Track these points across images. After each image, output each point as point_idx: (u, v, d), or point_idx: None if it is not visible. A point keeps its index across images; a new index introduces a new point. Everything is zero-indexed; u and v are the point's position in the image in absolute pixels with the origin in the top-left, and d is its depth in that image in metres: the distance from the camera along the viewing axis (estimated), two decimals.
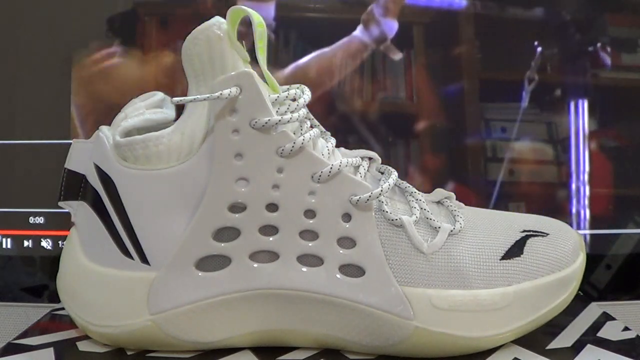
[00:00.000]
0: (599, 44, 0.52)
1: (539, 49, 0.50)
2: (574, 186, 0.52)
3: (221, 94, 0.30)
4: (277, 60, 0.51)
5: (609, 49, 0.52)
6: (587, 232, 0.51)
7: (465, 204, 0.36)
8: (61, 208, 0.34)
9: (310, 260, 0.31)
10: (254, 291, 0.31)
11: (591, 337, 0.35)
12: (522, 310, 0.32)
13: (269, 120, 0.30)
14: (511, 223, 0.35)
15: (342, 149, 0.35)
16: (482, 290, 0.32)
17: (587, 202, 0.52)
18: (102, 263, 0.32)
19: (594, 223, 0.51)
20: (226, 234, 0.31)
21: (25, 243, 0.50)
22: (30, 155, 0.50)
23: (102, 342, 0.33)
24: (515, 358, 0.32)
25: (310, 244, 0.31)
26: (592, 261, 0.44)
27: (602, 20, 0.52)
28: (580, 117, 0.52)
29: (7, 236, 0.50)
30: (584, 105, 0.52)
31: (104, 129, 0.33)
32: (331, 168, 0.31)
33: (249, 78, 0.30)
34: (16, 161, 0.51)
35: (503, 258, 0.33)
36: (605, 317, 0.38)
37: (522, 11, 0.52)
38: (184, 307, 0.31)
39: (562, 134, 0.52)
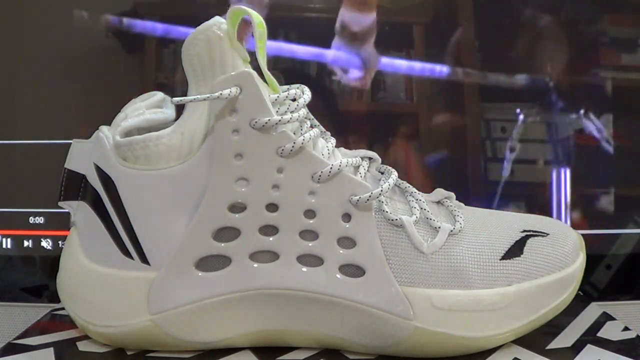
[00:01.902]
0: (599, 44, 0.52)
1: (521, 117, 0.50)
2: (574, 186, 0.52)
3: (221, 94, 0.30)
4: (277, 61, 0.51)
5: (608, 49, 0.52)
6: (587, 232, 0.51)
7: (465, 204, 0.36)
8: (61, 208, 0.34)
9: (310, 260, 0.31)
10: (254, 291, 0.31)
11: (591, 337, 0.35)
12: (522, 310, 0.32)
13: (269, 120, 0.30)
14: (511, 223, 0.35)
15: (342, 149, 0.35)
16: (482, 290, 0.32)
17: (586, 202, 0.52)
18: (102, 263, 0.32)
19: (594, 223, 0.51)
20: (226, 234, 0.31)
21: (25, 243, 0.50)
22: (30, 155, 0.50)
23: (102, 342, 0.33)
24: (515, 358, 0.32)
25: (310, 244, 0.31)
26: (592, 261, 0.44)
27: (602, 20, 0.52)
28: (580, 117, 0.52)
29: (7, 236, 0.50)
30: (584, 105, 0.52)
31: (104, 129, 0.33)
32: (331, 168, 0.31)
33: (249, 78, 0.30)
34: (16, 161, 0.51)
35: (503, 258, 0.33)
36: (605, 317, 0.38)
37: (522, 10, 0.52)
38: (184, 307, 0.31)
39: (562, 134, 0.52)
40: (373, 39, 0.49)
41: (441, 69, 0.50)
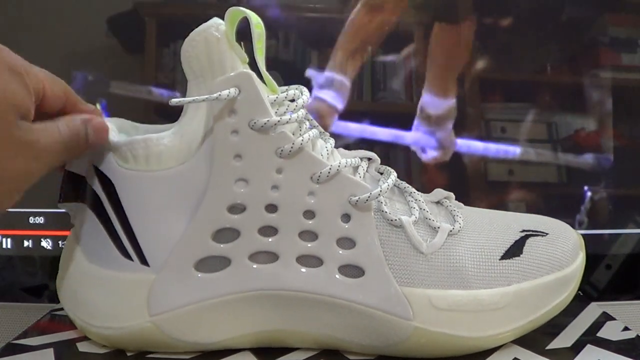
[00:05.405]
0: (599, 44, 0.52)
1: (588, 193, 0.52)
2: (573, 186, 0.52)
3: (220, 94, 0.30)
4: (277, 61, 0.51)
5: (608, 49, 0.52)
6: (587, 232, 0.51)
7: (465, 204, 0.36)
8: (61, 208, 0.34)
9: (310, 261, 0.31)
10: (254, 292, 0.31)
11: (591, 337, 0.35)
12: (522, 310, 0.32)
13: (268, 121, 0.30)
14: (511, 223, 0.35)
15: (342, 149, 0.35)
16: (482, 290, 0.32)
17: (587, 202, 0.52)
18: (101, 265, 0.32)
19: (594, 223, 0.51)
20: (225, 235, 0.31)
21: (25, 243, 0.50)
22: None
23: (101, 344, 0.33)
24: (515, 358, 0.32)
25: (309, 245, 0.31)
26: (592, 261, 0.44)
27: (602, 20, 0.52)
28: (580, 117, 0.52)
29: (7, 236, 0.50)
30: (584, 105, 0.52)
31: None
32: (330, 168, 0.31)
33: (247, 79, 0.30)
34: None
35: (503, 258, 0.33)
36: (605, 317, 0.38)
37: (522, 10, 0.52)
38: (184, 308, 0.31)
39: (562, 133, 0.52)
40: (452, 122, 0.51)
41: None
